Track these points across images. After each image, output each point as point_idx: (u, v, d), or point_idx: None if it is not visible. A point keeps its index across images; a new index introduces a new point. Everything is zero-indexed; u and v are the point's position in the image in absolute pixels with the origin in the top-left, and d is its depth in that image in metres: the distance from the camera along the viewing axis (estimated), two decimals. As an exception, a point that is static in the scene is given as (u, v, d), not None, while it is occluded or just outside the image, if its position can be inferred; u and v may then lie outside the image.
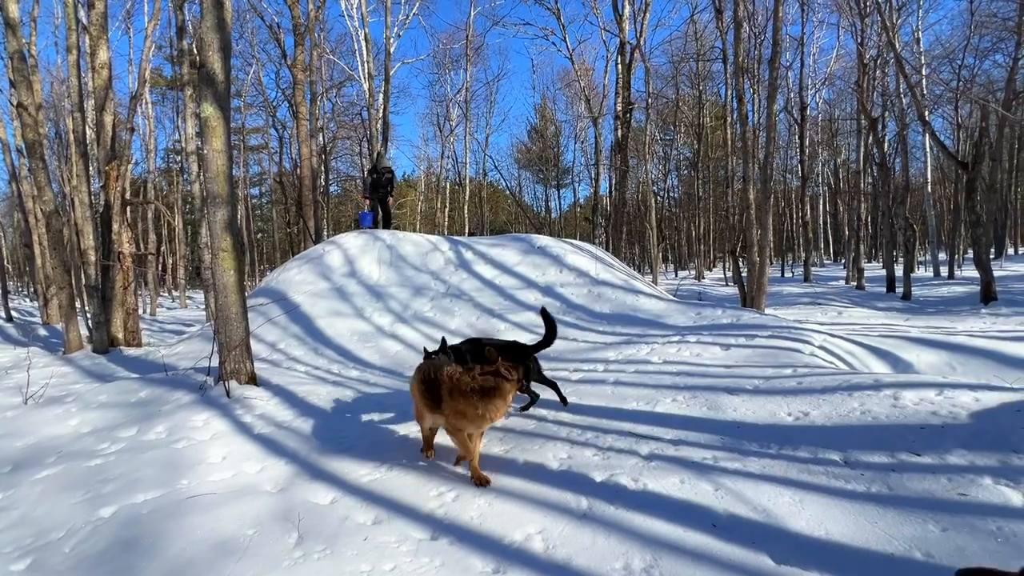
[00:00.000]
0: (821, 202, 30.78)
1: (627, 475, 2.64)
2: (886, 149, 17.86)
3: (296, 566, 2.10)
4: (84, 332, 8.14)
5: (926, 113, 14.86)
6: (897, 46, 12.65)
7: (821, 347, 4.92)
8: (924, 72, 16.35)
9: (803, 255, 21.86)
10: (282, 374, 5.32)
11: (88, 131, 11.17)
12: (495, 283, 8.02)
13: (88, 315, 8.02)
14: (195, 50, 11.92)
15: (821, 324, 7.28)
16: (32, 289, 21.18)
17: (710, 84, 26.22)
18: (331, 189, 26.58)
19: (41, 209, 9.45)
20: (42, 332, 11.07)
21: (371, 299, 7.83)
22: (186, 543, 2.32)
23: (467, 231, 23.97)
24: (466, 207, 25.34)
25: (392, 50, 17.55)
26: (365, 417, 3.99)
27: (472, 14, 21.08)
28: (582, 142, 31.55)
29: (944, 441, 2.60)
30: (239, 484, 2.91)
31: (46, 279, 12.95)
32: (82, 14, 9.06)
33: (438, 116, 28.65)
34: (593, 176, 21.03)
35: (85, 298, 8.36)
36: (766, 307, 8.66)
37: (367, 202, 11.06)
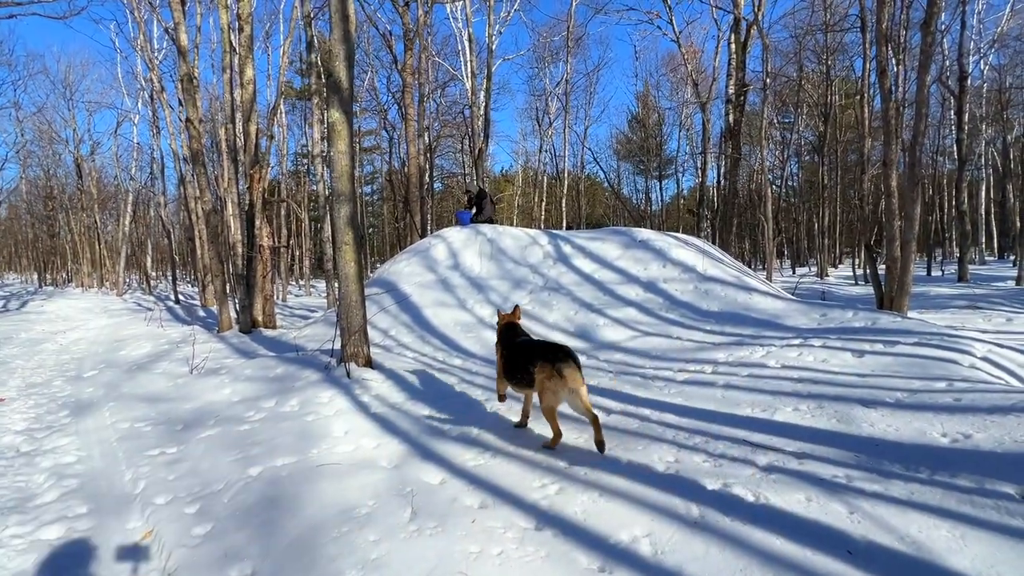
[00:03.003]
0: (983, 188, 25.96)
1: (743, 486, 2.46)
2: (1079, 121, 14.56)
3: (411, 539, 2.25)
4: (232, 314, 9.42)
5: None
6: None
7: (985, 359, 4.18)
8: None
9: (957, 251, 18.65)
10: (394, 359, 5.72)
11: (237, 140, 12.84)
12: (594, 277, 7.89)
13: (235, 300, 9.28)
14: (320, 63, 13.15)
15: (983, 332, 6.17)
16: (193, 276, 25.09)
17: (840, 57, 23.25)
18: (435, 186, 27.91)
19: (202, 208, 11.07)
20: (201, 313, 13.03)
21: (473, 291, 8.12)
22: (318, 507, 2.59)
23: (564, 225, 23.86)
24: (564, 201, 25.21)
25: (494, 47, 17.90)
26: (468, 404, 4.16)
27: (573, 5, 20.74)
28: (687, 130, 29.79)
29: None
30: (360, 457, 3.19)
31: (204, 268, 15.23)
32: (233, 38, 10.40)
33: (536, 110, 28.74)
34: (699, 165, 19.78)
35: (234, 285, 9.73)
36: (909, 310, 7.54)
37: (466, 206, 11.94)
